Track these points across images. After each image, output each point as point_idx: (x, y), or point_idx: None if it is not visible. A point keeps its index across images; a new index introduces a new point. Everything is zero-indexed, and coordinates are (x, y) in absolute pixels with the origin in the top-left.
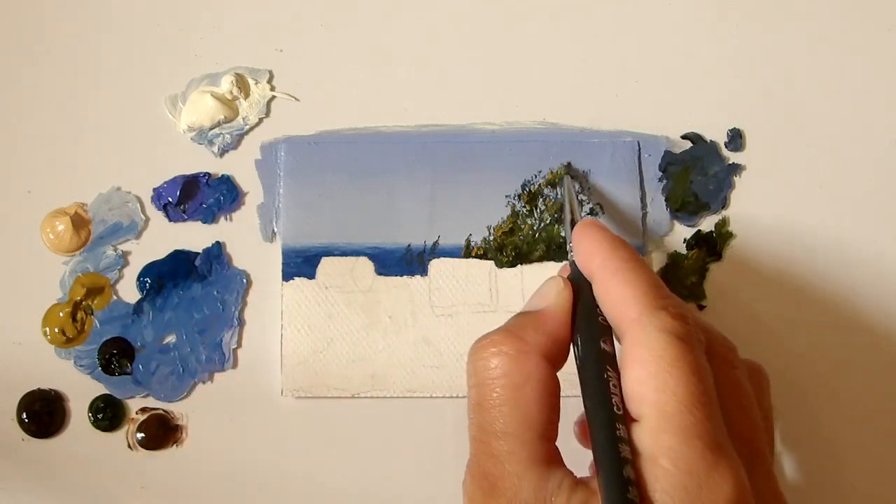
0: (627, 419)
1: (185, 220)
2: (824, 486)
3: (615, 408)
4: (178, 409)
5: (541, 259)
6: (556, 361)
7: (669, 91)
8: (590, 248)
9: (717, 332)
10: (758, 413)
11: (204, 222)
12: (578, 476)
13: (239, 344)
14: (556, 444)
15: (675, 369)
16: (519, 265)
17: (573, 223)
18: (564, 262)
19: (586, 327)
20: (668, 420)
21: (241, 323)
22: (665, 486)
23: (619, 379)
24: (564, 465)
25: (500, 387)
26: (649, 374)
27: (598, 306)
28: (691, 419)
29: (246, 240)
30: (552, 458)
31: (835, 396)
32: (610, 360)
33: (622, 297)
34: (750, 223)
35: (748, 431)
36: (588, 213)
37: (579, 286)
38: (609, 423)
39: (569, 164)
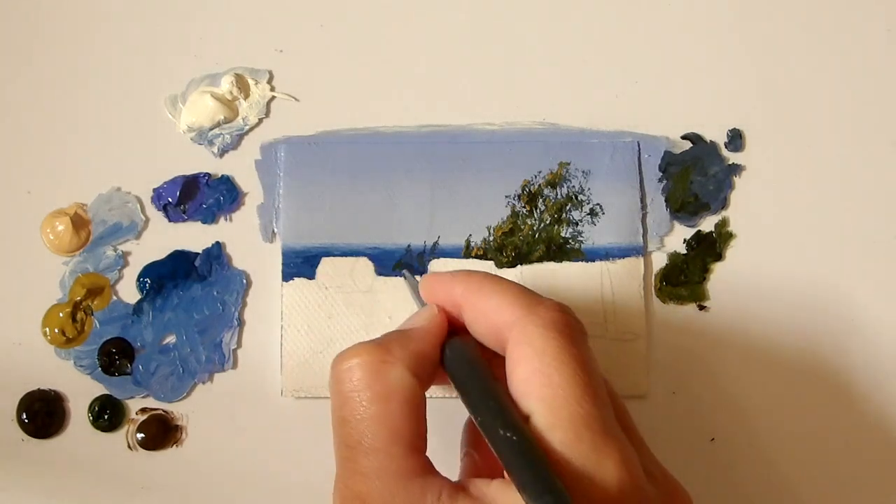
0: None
1: (185, 221)
2: (824, 481)
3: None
4: (177, 409)
5: (541, 259)
6: (423, 378)
7: (669, 91)
8: (445, 287)
9: None
10: (622, 408)
11: (204, 223)
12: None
13: (239, 344)
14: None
15: (559, 363)
16: (519, 265)
17: None
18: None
19: (468, 387)
20: (556, 414)
21: (241, 323)
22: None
23: (517, 423)
24: (440, 475)
25: (365, 400)
26: (534, 371)
27: (473, 360)
28: (580, 411)
29: (246, 240)
30: (425, 470)
31: (835, 396)
32: (506, 414)
33: (496, 307)
34: (750, 223)
35: (622, 416)
36: (588, 214)
37: (456, 343)
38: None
39: (403, 265)
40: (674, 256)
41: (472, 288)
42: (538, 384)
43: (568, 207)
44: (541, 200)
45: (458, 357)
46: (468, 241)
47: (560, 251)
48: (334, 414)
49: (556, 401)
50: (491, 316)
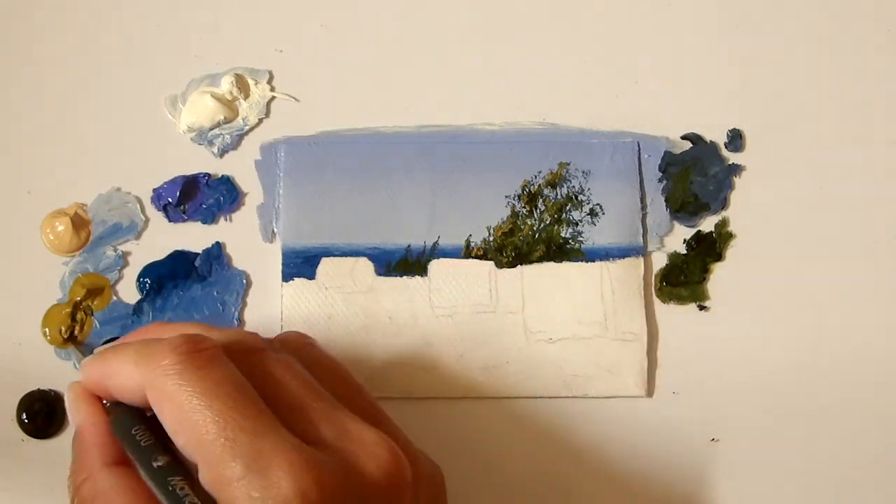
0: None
1: (184, 221)
2: (825, 481)
3: None
4: None
5: (541, 259)
6: (121, 462)
7: (669, 91)
8: (86, 385)
9: (234, 332)
10: (304, 391)
11: (204, 223)
12: None
13: None
14: None
15: (187, 409)
16: (519, 266)
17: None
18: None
19: (135, 455)
20: (202, 461)
21: (241, 323)
22: None
23: (186, 479)
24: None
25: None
26: (172, 423)
27: (134, 428)
28: (216, 452)
29: (246, 240)
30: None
31: (836, 396)
32: (168, 471)
33: (123, 375)
34: (750, 223)
35: (299, 418)
36: (588, 214)
37: (116, 416)
38: None
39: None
40: (674, 256)
41: (94, 373)
42: (180, 437)
43: (568, 207)
44: (541, 200)
45: (117, 427)
46: (468, 241)
47: (560, 251)
48: None
49: (198, 449)
50: (126, 385)
